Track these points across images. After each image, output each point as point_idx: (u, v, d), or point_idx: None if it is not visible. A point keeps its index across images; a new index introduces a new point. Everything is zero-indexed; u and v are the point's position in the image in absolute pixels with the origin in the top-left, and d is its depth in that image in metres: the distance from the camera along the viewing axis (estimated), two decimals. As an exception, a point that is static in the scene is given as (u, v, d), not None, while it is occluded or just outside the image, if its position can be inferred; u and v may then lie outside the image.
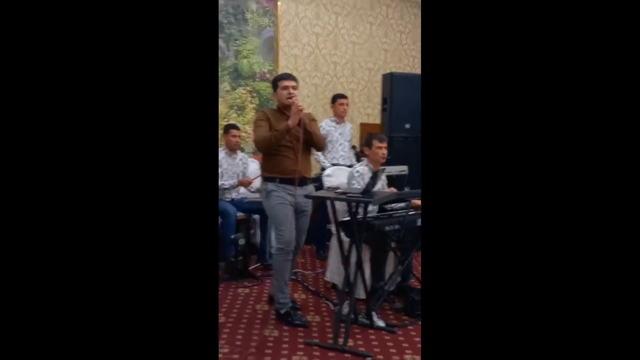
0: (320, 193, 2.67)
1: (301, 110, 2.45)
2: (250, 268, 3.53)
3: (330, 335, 2.44)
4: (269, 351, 2.27)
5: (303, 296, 3.06)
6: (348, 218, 2.67)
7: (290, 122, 2.45)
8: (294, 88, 2.58)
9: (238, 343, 2.35)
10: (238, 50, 4.36)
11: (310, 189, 2.69)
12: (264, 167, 2.65)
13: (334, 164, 3.79)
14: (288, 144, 2.53)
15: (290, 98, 2.53)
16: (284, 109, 2.62)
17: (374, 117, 5.42)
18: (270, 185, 2.58)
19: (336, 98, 4.05)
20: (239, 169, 3.83)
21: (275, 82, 2.64)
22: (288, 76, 2.64)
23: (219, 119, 4.27)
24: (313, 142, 2.59)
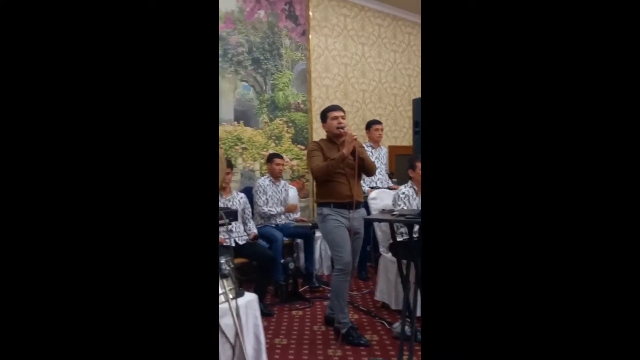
0: (378, 215, 2.77)
1: (355, 139, 2.58)
2: (299, 291, 3.61)
3: (392, 353, 2.49)
4: (338, 370, 2.33)
5: (356, 316, 3.12)
6: (400, 239, 2.76)
7: (344, 151, 2.57)
8: (343, 118, 2.72)
9: (306, 363, 2.42)
10: (274, 84, 4.54)
11: (362, 212, 2.79)
12: (318, 193, 2.77)
13: (372, 187, 3.89)
14: (341, 170, 2.65)
15: (340, 127, 2.66)
16: (334, 138, 2.75)
17: (401, 139, 5.54)
18: (326, 210, 2.69)
19: (371, 124, 4.17)
20: (282, 196, 3.95)
21: (325, 113, 2.77)
22: (336, 107, 2.78)
23: (259, 149, 4.41)
24: (365, 168, 2.70)
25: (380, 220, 2.89)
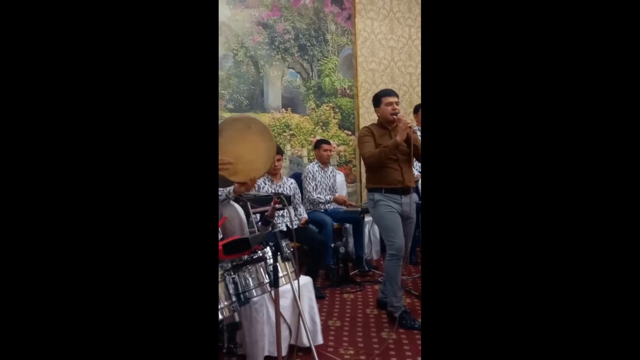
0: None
1: (409, 126, 2.54)
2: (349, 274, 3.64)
3: (447, 337, 2.48)
4: (393, 352, 2.35)
5: (408, 300, 3.12)
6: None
7: (398, 138, 2.55)
8: (397, 103, 2.68)
9: (361, 345, 2.45)
10: (320, 70, 4.54)
11: (414, 197, 2.77)
12: (369, 178, 2.76)
13: (421, 172, 3.85)
14: (393, 156, 2.63)
15: (394, 114, 2.63)
16: (386, 124, 2.72)
17: (450, 123, 5.41)
18: (377, 195, 2.68)
19: (419, 108, 4.10)
20: (331, 181, 3.97)
21: (378, 98, 2.74)
22: (391, 92, 2.74)
23: (307, 135, 4.45)
24: (419, 155, 2.67)
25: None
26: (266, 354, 2.17)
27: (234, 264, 1.39)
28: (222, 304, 1.31)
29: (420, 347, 2.38)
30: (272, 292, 1.61)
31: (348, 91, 4.71)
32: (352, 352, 2.37)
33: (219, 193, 2.08)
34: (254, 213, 2.65)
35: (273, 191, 3.38)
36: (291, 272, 1.59)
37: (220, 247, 1.38)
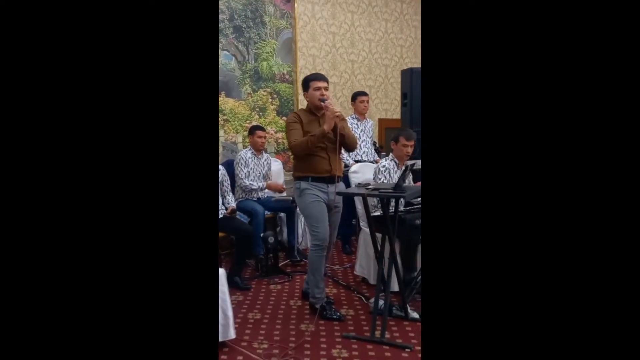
0: (352, 190, 2.66)
1: (337, 115, 2.44)
2: (279, 265, 3.54)
3: (366, 328, 2.43)
4: (308, 345, 2.26)
5: (335, 290, 3.05)
6: (378, 213, 2.66)
7: (326, 127, 2.45)
8: (326, 89, 2.57)
9: (276, 338, 2.35)
10: (258, 53, 4.36)
11: (341, 186, 2.68)
12: (296, 166, 2.65)
13: (357, 161, 3.78)
14: (321, 145, 2.52)
15: (322, 100, 2.52)
16: (315, 110, 2.61)
17: (392, 112, 5.39)
18: (304, 184, 2.58)
19: (356, 96, 4.03)
20: (264, 169, 3.84)
21: (307, 82, 2.62)
22: (319, 76, 2.62)
23: (242, 121, 4.28)
24: (346, 144, 2.57)
25: (352, 194, 2.79)
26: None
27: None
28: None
29: (336, 339, 2.31)
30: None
31: (287, 76, 4.57)
32: (265, 345, 2.27)
33: None
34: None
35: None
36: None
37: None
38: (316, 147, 2.51)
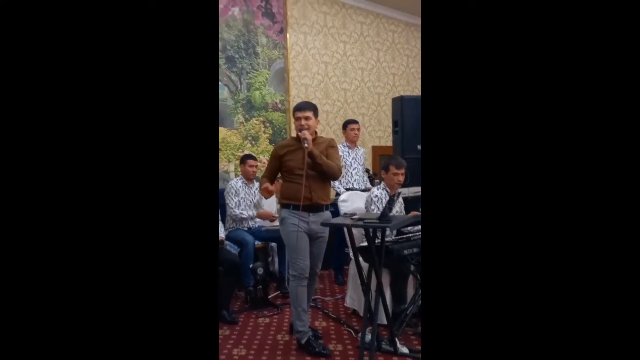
0: (337, 220, 2.58)
1: (306, 147, 2.40)
2: (270, 296, 3.43)
3: (354, 365, 2.31)
4: (292, 384, 2.15)
5: (324, 323, 2.93)
6: (366, 244, 2.57)
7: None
8: (307, 118, 2.52)
9: (260, 376, 2.23)
10: (250, 83, 4.36)
11: (326, 215, 2.60)
12: (281, 193, 2.59)
13: (348, 189, 3.71)
14: (301, 172, 2.46)
15: (300, 130, 2.48)
16: (298, 140, 2.57)
17: (385, 139, 5.35)
18: (284, 212, 2.52)
19: (347, 124, 4.00)
20: (255, 198, 3.77)
21: (293, 112, 2.60)
22: (301, 106, 2.57)
23: (234, 150, 4.24)
24: (325, 173, 2.51)
25: (336, 225, 2.70)
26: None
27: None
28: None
29: (322, 378, 2.19)
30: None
31: (280, 105, 4.55)
32: (248, 385, 2.15)
33: None
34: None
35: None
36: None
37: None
38: (296, 175, 2.47)
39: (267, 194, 2.52)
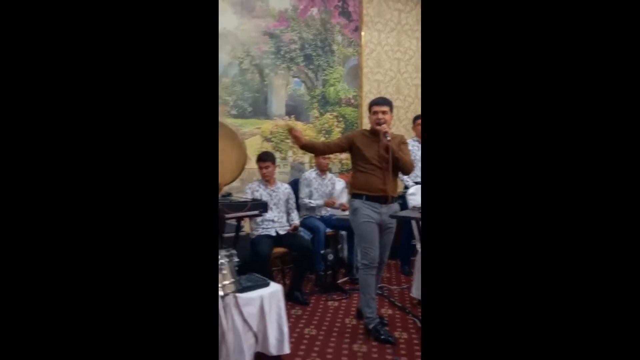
0: (406, 212, 2.57)
1: (388, 140, 2.41)
2: (338, 282, 3.49)
3: (418, 353, 2.31)
4: (359, 366, 2.19)
5: (390, 311, 2.95)
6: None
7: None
8: (384, 113, 2.53)
9: (329, 357, 2.30)
10: (325, 79, 4.41)
11: (395, 207, 2.60)
12: (352, 183, 2.63)
13: (416, 183, 3.66)
14: (377, 163, 2.48)
15: (378, 124, 2.49)
16: (373, 133, 2.58)
17: (456, 135, 5.18)
18: (357, 203, 2.54)
19: (417, 119, 3.92)
20: (328, 189, 3.84)
21: (370, 106, 2.62)
22: (380, 101, 2.60)
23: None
24: (400, 167, 2.51)
25: (404, 218, 2.68)
26: (230, 360, 2.05)
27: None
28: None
29: (387, 363, 2.22)
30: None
31: (352, 101, 4.56)
32: (318, 363, 2.23)
33: None
34: (230, 218, 2.55)
35: (267, 196, 3.28)
36: (228, 284, 1.46)
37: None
38: (372, 165, 2.49)
39: (295, 135, 2.52)
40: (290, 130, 2.51)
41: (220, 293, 1.42)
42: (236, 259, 1.55)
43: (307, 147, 2.60)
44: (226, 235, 2.83)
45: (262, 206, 2.67)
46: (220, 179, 1.97)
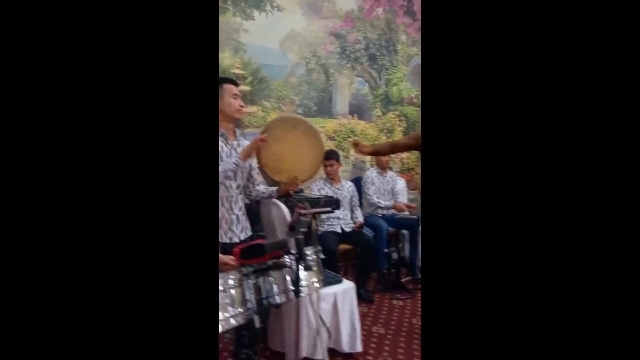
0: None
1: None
2: (402, 281, 3.39)
3: None
4: (432, 369, 2.09)
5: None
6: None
7: None
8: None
9: (401, 357, 2.21)
10: (389, 79, 4.30)
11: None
12: None
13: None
14: None
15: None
16: None
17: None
18: None
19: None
20: (389, 187, 3.73)
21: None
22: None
23: (371, 142, 4.24)
24: None
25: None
26: (304, 355, 2.02)
27: (255, 268, 1.25)
28: (237, 310, 1.17)
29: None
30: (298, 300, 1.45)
31: (414, 100, 4.42)
32: (390, 362, 2.15)
33: (263, 191, 1.96)
34: (305, 214, 2.51)
35: (332, 194, 3.23)
36: (315, 282, 1.41)
37: (237, 251, 1.25)
38: None
39: (362, 151, 2.42)
40: (356, 145, 2.44)
41: (306, 291, 1.37)
42: (322, 255, 1.49)
43: (372, 154, 2.51)
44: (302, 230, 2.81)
45: (334, 203, 2.62)
46: (300, 175, 1.93)
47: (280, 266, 1.27)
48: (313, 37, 3.95)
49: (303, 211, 2.04)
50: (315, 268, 1.41)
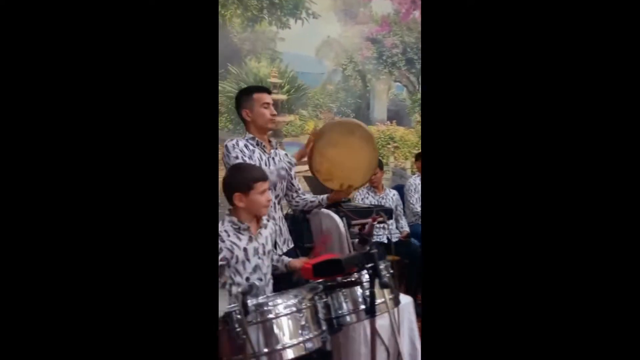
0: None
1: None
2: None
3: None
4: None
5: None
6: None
7: None
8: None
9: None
10: (427, 83, 4.12)
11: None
12: None
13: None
14: None
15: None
16: None
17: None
18: None
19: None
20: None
21: None
22: None
23: (411, 148, 4.05)
24: None
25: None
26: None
27: (327, 285, 1.09)
28: (311, 334, 1.01)
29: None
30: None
31: (455, 104, 4.22)
32: (455, 385, 1.93)
33: (311, 199, 1.81)
34: (354, 225, 2.35)
35: (376, 203, 3.05)
36: (390, 299, 1.24)
37: (309, 267, 1.09)
38: None
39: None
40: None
41: (382, 309, 1.20)
42: (391, 270, 1.32)
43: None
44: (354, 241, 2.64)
45: (387, 212, 2.44)
46: (354, 183, 1.78)
47: (355, 283, 1.11)
48: (349, 43, 3.82)
49: (354, 222, 1.88)
50: (391, 284, 1.24)
